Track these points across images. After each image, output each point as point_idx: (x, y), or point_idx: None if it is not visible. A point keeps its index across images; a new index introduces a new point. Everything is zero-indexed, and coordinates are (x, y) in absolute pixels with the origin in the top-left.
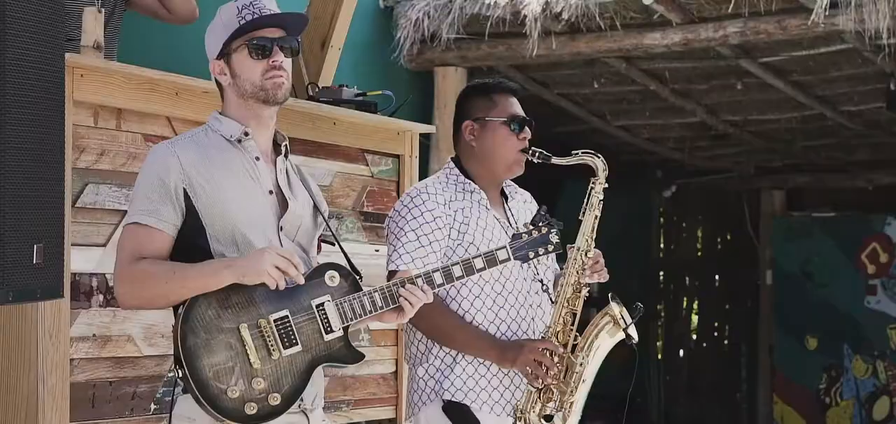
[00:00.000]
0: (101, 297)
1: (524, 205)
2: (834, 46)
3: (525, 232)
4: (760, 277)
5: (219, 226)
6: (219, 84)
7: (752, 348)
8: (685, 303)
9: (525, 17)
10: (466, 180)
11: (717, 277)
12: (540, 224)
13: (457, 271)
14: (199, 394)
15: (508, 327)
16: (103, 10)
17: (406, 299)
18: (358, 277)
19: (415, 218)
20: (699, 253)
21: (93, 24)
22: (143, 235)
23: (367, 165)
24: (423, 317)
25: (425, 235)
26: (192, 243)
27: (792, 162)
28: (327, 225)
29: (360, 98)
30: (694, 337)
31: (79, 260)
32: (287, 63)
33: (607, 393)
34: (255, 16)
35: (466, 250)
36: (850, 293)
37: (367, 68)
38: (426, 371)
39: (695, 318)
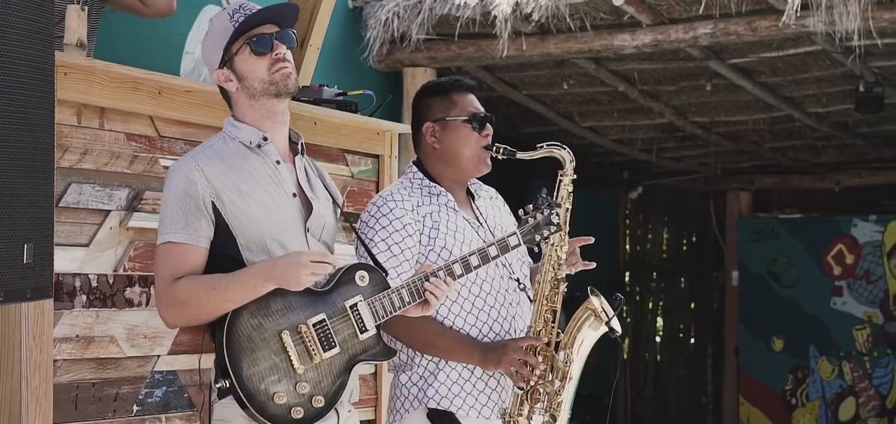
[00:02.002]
0: (83, 298)
1: (491, 202)
2: (803, 48)
3: (530, 216)
4: (726, 278)
5: (248, 235)
6: (225, 92)
7: (718, 349)
8: (651, 304)
9: (495, 17)
10: (431, 183)
11: (683, 278)
12: (542, 206)
13: (474, 260)
14: (248, 403)
15: (490, 329)
16: (85, 8)
17: (431, 292)
18: (385, 274)
19: (383, 227)
20: (665, 255)
21: (76, 22)
22: (178, 254)
23: (348, 165)
24: (402, 328)
25: (396, 244)
26: (222, 252)
27: (758, 163)
28: (360, 231)
29: (341, 97)
30: (659, 337)
31: (62, 261)
32: (289, 54)
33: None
34: (248, 14)
35: (439, 256)
36: (816, 294)
37: (335, 69)
38: (409, 378)
39: (660, 319)
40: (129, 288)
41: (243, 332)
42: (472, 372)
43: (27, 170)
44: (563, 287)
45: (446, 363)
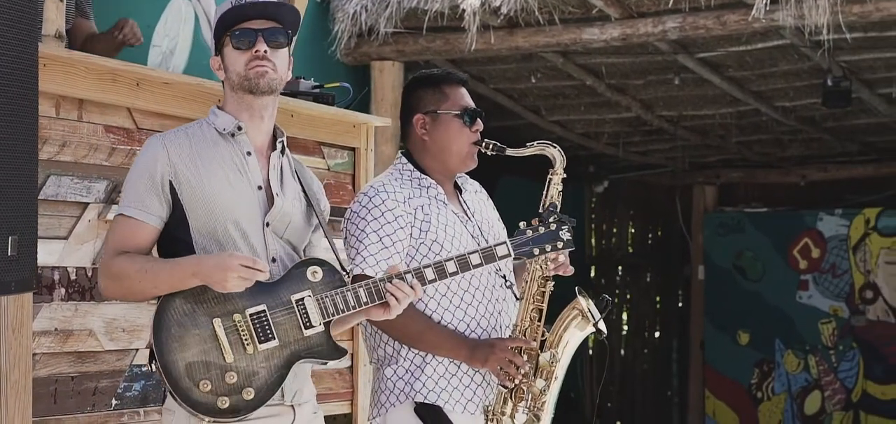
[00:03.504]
0: (62, 291)
1: (476, 195)
2: (772, 42)
3: (530, 228)
4: (692, 272)
5: (202, 220)
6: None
7: (684, 343)
8: (617, 299)
9: (463, 11)
10: (422, 175)
11: (648, 272)
12: (549, 219)
13: (451, 267)
14: (172, 388)
15: (478, 324)
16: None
17: (393, 295)
18: (345, 273)
19: (375, 219)
20: (631, 249)
21: (54, 13)
22: (127, 228)
23: (324, 158)
24: (390, 320)
25: (387, 236)
26: (175, 234)
27: (724, 157)
28: (320, 222)
29: (318, 90)
30: (625, 332)
31: (41, 253)
32: (278, 54)
33: None
34: (235, 5)
35: (430, 248)
36: (781, 288)
37: (303, 62)
38: (395, 372)
39: (626, 313)
40: None
41: (173, 317)
42: (459, 367)
43: (11, 162)
44: (549, 286)
45: (432, 357)
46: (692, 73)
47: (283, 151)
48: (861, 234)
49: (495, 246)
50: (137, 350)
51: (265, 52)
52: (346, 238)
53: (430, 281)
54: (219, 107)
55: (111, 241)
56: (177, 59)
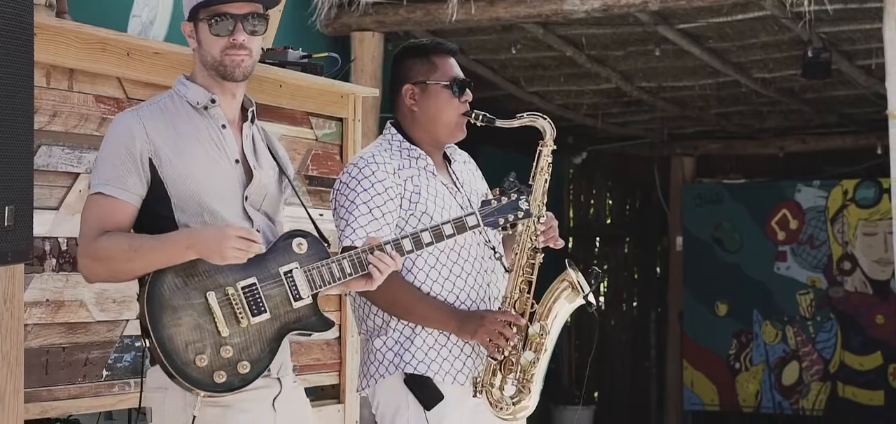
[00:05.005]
0: (53, 261)
1: (465, 166)
2: (752, 13)
3: (494, 199)
4: (670, 243)
5: (184, 196)
6: None
7: (662, 314)
8: (593, 268)
9: None
10: (411, 146)
11: (626, 243)
12: (509, 191)
13: (426, 237)
14: (168, 364)
15: (467, 296)
16: None
17: (375, 266)
18: (326, 244)
19: (365, 190)
20: (609, 220)
21: None
22: (106, 207)
23: (312, 128)
24: (380, 292)
25: (377, 207)
26: (156, 211)
27: (703, 129)
28: (294, 189)
29: (306, 60)
30: (603, 302)
31: None
32: (253, 40)
33: None
34: None
35: (419, 220)
36: (759, 259)
37: (283, 33)
38: (385, 342)
39: (604, 284)
40: None
41: (166, 292)
42: (448, 338)
43: (7, 132)
44: (539, 257)
45: (422, 328)
46: (672, 45)
47: (252, 121)
48: (839, 205)
49: (466, 216)
50: (128, 320)
51: (243, 41)
52: (335, 209)
53: (408, 252)
54: (187, 78)
55: (90, 222)
56: (156, 29)
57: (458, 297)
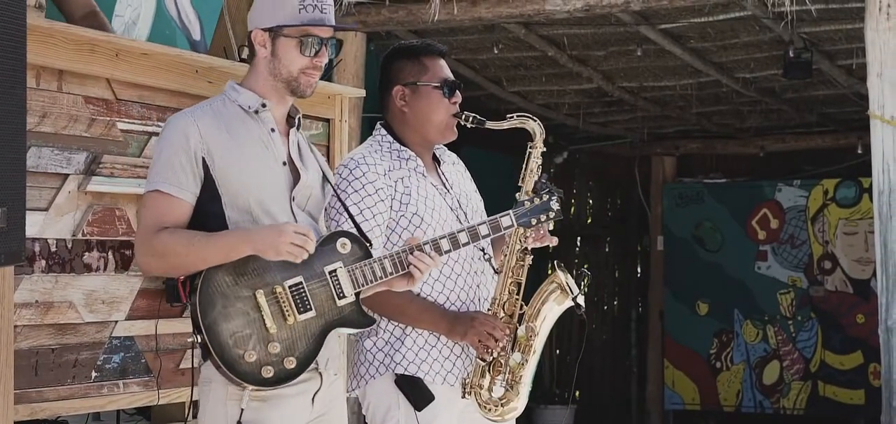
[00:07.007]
0: (43, 263)
1: (454, 167)
2: (734, 13)
3: (527, 200)
4: (651, 243)
5: (234, 194)
6: (251, 49)
7: (643, 313)
8: (575, 269)
9: None
10: (401, 147)
11: (607, 243)
12: (542, 191)
13: (463, 237)
14: (219, 359)
15: (457, 297)
16: None
17: (415, 265)
18: (369, 244)
19: (356, 191)
20: (589, 219)
21: None
22: (164, 204)
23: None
24: (370, 294)
25: (368, 208)
26: (207, 209)
27: (683, 128)
28: (335, 194)
29: None
30: (583, 301)
31: None
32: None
33: None
34: (317, 20)
35: (410, 221)
36: (740, 258)
37: None
38: (375, 343)
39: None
40: (87, 253)
41: (217, 288)
42: (439, 339)
43: (1, 134)
44: (528, 259)
45: (412, 329)
46: (654, 45)
47: (298, 127)
48: (819, 205)
49: (500, 217)
50: (117, 322)
51: (323, 64)
52: (325, 209)
53: (446, 252)
54: (238, 84)
55: (149, 218)
56: (139, 29)
57: (447, 298)
